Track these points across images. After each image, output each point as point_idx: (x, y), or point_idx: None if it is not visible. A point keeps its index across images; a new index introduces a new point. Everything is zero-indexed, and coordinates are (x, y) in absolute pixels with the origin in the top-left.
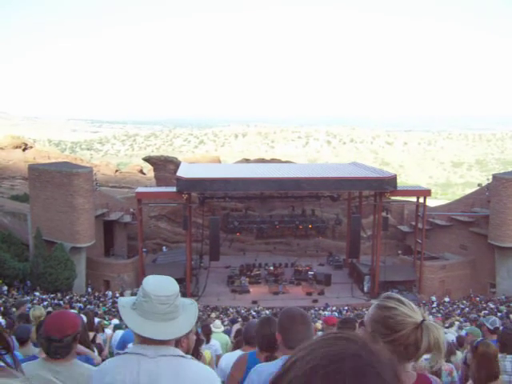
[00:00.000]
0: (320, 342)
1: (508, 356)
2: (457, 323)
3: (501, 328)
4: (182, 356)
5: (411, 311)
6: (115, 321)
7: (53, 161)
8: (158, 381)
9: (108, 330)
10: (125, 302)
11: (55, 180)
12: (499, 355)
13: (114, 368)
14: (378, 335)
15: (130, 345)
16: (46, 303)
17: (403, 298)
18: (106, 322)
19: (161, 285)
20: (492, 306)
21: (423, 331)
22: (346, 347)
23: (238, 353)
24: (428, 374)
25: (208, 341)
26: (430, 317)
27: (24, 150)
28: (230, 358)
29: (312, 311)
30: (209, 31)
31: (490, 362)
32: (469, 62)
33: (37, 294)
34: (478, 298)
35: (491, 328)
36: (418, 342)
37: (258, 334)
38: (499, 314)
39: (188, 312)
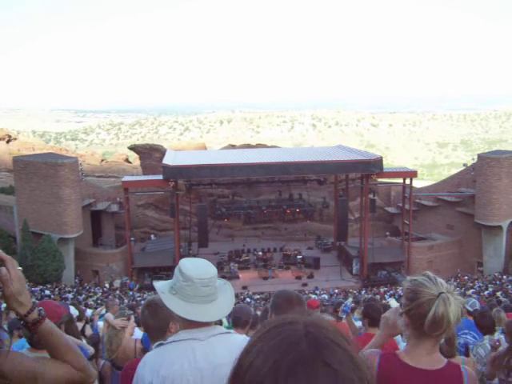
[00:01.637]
0: (266, 335)
1: (486, 337)
2: None
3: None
4: (228, 332)
5: (433, 284)
6: (101, 311)
7: (38, 152)
8: (217, 361)
9: (100, 323)
10: (162, 287)
11: (41, 171)
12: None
13: (167, 358)
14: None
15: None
16: (35, 294)
17: (433, 275)
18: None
19: (201, 268)
20: (479, 284)
21: (435, 303)
22: (293, 331)
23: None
24: (461, 365)
25: None
26: (457, 294)
27: (8, 141)
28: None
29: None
30: (191, 17)
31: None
32: (452, 41)
33: (26, 286)
34: (465, 277)
35: (470, 310)
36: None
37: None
38: (486, 292)
39: (225, 292)
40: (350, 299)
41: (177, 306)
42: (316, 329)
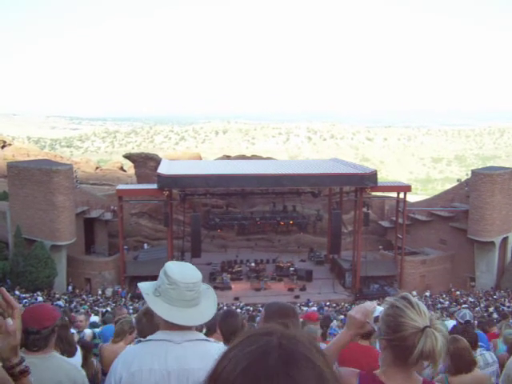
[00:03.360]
0: (241, 343)
1: (480, 349)
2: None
3: (475, 322)
4: (206, 340)
5: (416, 315)
6: (92, 318)
7: (32, 158)
8: (186, 365)
9: (88, 330)
10: (146, 288)
11: (35, 178)
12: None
13: (139, 355)
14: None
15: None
16: (26, 301)
17: (415, 301)
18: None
19: (186, 272)
20: (471, 299)
21: (421, 337)
22: (267, 341)
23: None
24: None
25: None
26: (439, 325)
27: (3, 147)
28: None
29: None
30: (187, 27)
31: (462, 356)
32: (447, 56)
33: (17, 292)
34: (457, 292)
35: (462, 321)
36: (414, 346)
37: (223, 326)
38: (477, 308)
39: (207, 297)
40: (335, 322)
41: (160, 308)
42: (289, 341)
